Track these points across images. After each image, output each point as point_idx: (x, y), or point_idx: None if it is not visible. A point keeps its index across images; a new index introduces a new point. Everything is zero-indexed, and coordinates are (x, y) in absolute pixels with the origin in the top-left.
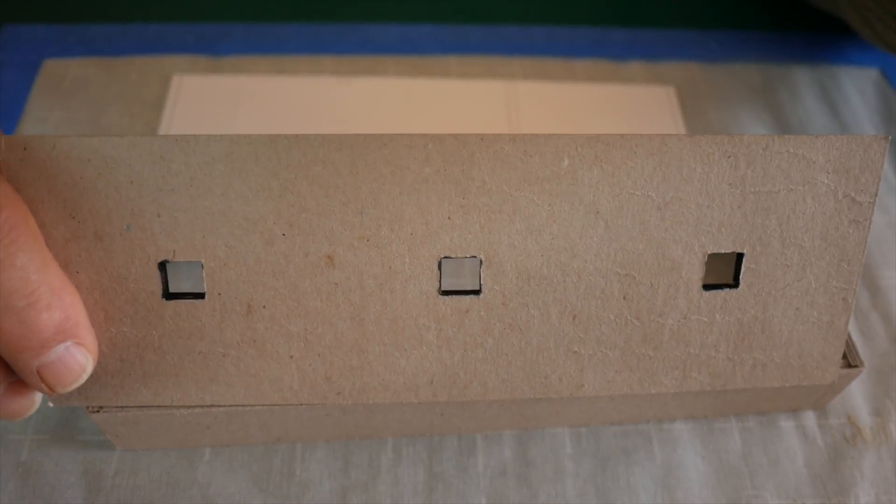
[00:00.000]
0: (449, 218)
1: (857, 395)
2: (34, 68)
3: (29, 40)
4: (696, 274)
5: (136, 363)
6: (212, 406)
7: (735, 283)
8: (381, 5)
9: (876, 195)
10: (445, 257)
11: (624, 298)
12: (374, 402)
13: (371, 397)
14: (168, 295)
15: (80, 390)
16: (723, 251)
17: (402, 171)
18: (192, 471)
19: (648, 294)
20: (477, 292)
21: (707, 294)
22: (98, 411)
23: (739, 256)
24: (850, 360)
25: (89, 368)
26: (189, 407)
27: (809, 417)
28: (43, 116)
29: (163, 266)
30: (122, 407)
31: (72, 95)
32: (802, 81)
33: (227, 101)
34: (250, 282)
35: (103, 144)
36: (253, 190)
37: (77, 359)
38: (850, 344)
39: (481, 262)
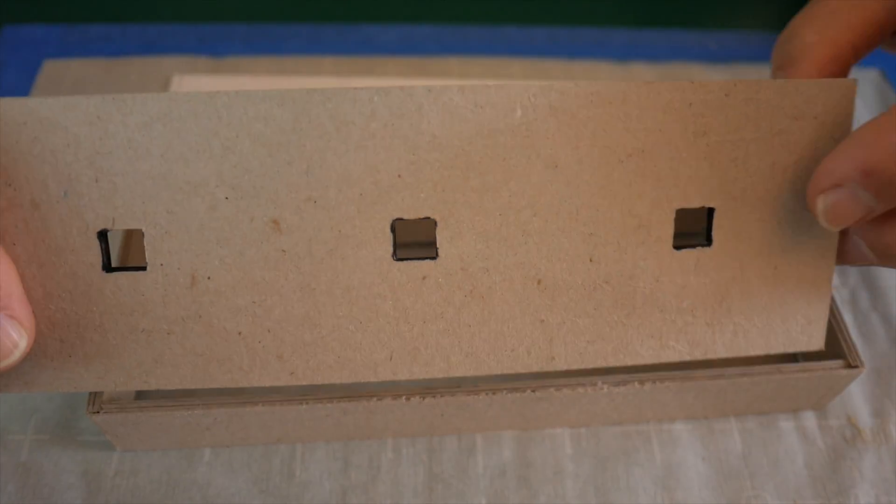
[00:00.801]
0: (399, 176)
1: (857, 395)
2: (34, 68)
3: (29, 40)
4: (666, 232)
5: (77, 344)
6: (210, 406)
7: (708, 242)
8: (381, 6)
9: None
10: (398, 219)
11: (591, 260)
12: (330, 381)
13: (327, 377)
14: (108, 268)
15: (18, 374)
16: (692, 206)
17: (348, 127)
18: (192, 471)
19: (616, 255)
20: (433, 257)
21: (679, 254)
22: (98, 412)
23: (710, 211)
24: (850, 361)
25: (23, 345)
26: (189, 408)
27: (809, 418)
28: None
29: (103, 235)
30: (121, 407)
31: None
32: None
33: None
34: (193, 251)
35: (39, 105)
36: (193, 150)
37: (8, 334)
38: (850, 344)
39: (436, 223)
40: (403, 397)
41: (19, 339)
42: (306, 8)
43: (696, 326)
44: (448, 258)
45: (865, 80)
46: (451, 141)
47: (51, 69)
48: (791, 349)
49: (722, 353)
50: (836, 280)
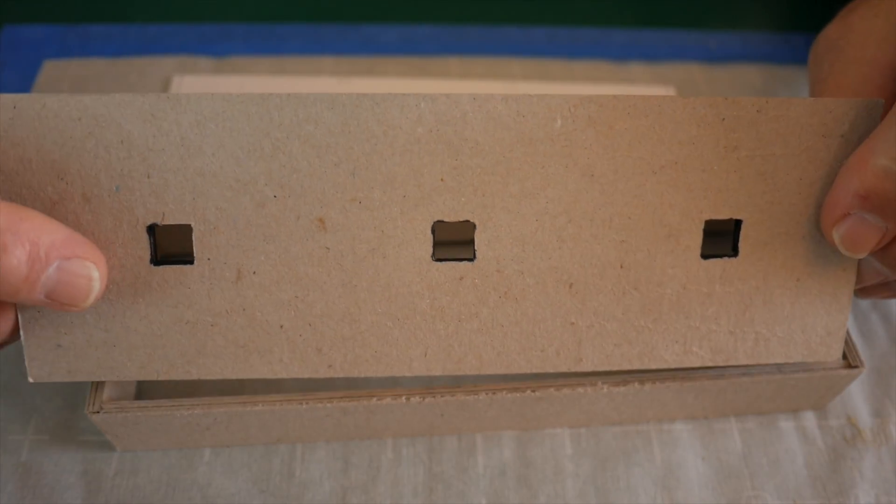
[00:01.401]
0: (442, 179)
1: (857, 395)
2: (34, 68)
3: (29, 40)
4: (695, 241)
5: (122, 334)
6: (210, 406)
7: (734, 252)
8: (381, 6)
9: None
10: (438, 221)
11: (621, 267)
12: (366, 375)
13: (363, 370)
14: (156, 261)
15: (62, 362)
16: (720, 217)
17: (395, 131)
18: (192, 471)
19: (646, 262)
20: (471, 259)
21: (706, 263)
22: (98, 412)
23: (738, 223)
24: (850, 361)
25: (96, 274)
26: (188, 408)
27: (809, 418)
28: None
29: (151, 230)
30: (121, 407)
31: None
32: (802, 81)
33: None
34: (240, 246)
35: (94, 102)
36: (244, 150)
37: (76, 271)
38: (850, 344)
39: (475, 226)
40: (403, 397)
41: (88, 271)
42: (306, 8)
43: (719, 334)
44: (485, 260)
45: None
46: (492, 147)
47: (51, 69)
48: (810, 359)
49: (743, 361)
50: None
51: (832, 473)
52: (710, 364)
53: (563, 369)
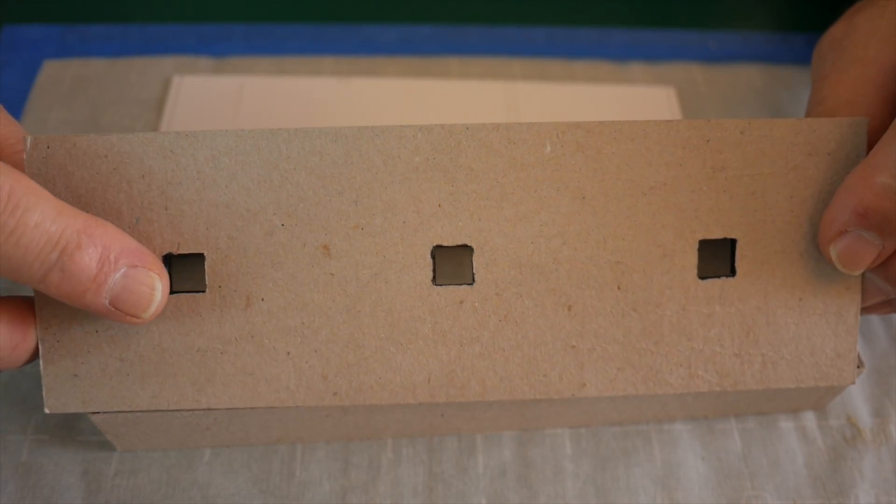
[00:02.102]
0: (439, 206)
1: (857, 395)
2: (34, 68)
3: (29, 40)
4: (690, 261)
5: (136, 362)
6: (209, 409)
7: (732, 273)
8: (381, 6)
9: None
10: (437, 246)
11: (618, 288)
12: (371, 402)
13: (368, 398)
14: (171, 290)
15: (77, 394)
16: (714, 237)
17: (394, 161)
18: (192, 471)
19: (643, 283)
20: (470, 283)
21: (704, 283)
22: (98, 412)
23: (732, 243)
24: None
25: (159, 285)
26: (189, 409)
27: (809, 418)
28: (43, 117)
29: (167, 259)
30: None
31: (72, 96)
32: (802, 81)
33: (227, 101)
34: (250, 273)
35: (119, 141)
36: (255, 181)
37: (141, 279)
38: None
39: (472, 250)
40: None
41: (152, 281)
42: (306, 8)
43: (723, 357)
44: (484, 284)
45: None
46: (486, 174)
47: (51, 69)
48: (822, 383)
49: (752, 385)
50: None
51: (832, 473)
52: (718, 389)
53: (567, 395)
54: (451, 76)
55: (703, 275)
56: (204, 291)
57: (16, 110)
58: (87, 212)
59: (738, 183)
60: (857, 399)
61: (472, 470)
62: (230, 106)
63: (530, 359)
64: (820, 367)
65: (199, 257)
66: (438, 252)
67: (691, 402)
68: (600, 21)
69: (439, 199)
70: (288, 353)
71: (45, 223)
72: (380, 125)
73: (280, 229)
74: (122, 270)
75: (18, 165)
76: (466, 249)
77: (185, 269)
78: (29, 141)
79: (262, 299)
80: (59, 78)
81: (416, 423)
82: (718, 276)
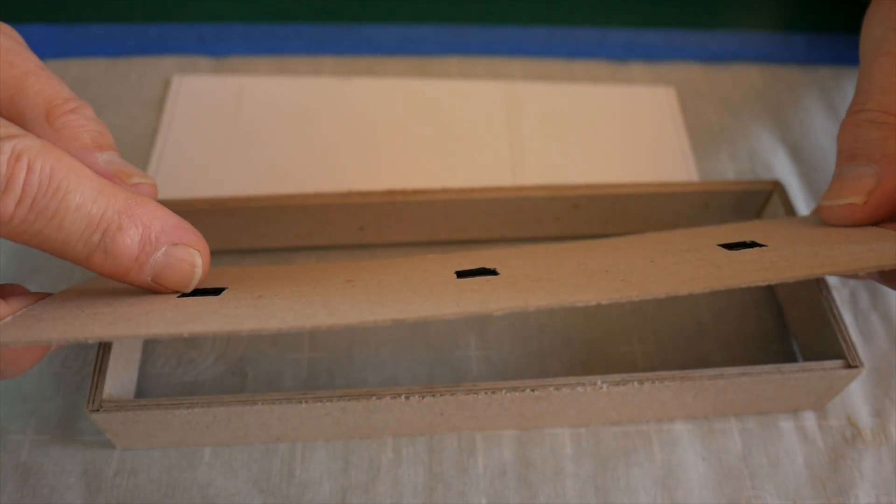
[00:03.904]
0: (459, 263)
1: (857, 395)
2: None
3: (29, 40)
4: (718, 250)
5: (108, 313)
6: (210, 404)
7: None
8: (381, 6)
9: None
10: (459, 272)
11: (652, 262)
12: (395, 298)
13: (394, 295)
14: (184, 294)
15: (25, 329)
16: (731, 241)
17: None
18: (192, 471)
19: (675, 259)
20: (495, 274)
21: (738, 252)
22: (97, 410)
23: (752, 243)
24: (849, 361)
25: (199, 260)
26: (188, 406)
27: (809, 418)
28: None
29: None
30: (120, 405)
31: None
32: (802, 81)
33: (227, 101)
34: (270, 287)
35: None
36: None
37: (181, 257)
38: (849, 344)
39: (495, 270)
40: (402, 396)
41: (192, 257)
42: (306, 8)
43: (802, 251)
44: (510, 274)
45: None
46: (496, 253)
47: (51, 69)
48: None
49: (846, 262)
50: (835, 280)
51: (832, 473)
52: (821, 272)
53: (622, 289)
54: (451, 76)
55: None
56: (219, 293)
57: None
58: None
59: (736, 231)
60: (857, 399)
61: (472, 470)
62: (230, 106)
63: (572, 289)
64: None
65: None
66: (460, 281)
67: (691, 402)
68: (600, 21)
69: (459, 259)
70: (292, 309)
71: (86, 204)
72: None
73: (306, 275)
74: (164, 249)
75: (67, 127)
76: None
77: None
78: None
79: (276, 295)
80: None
81: (416, 421)
82: (750, 246)
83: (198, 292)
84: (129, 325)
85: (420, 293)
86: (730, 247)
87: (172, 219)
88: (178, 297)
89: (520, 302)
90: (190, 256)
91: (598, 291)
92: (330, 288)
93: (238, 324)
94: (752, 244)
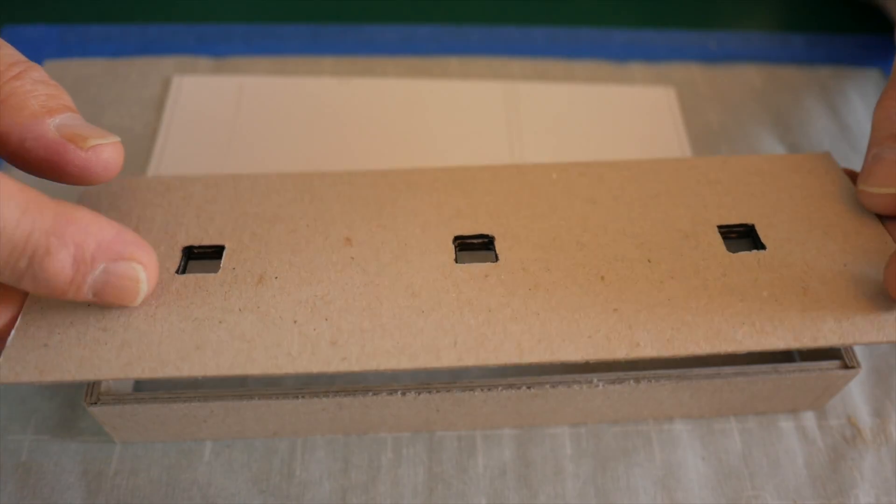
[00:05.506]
0: (459, 210)
1: (857, 395)
2: None
3: (29, 40)
4: (716, 240)
5: (118, 332)
6: (207, 399)
7: (763, 247)
8: (381, 6)
9: (853, 186)
10: (458, 236)
11: (649, 261)
12: (386, 367)
13: (383, 363)
14: (182, 272)
15: (37, 363)
16: (730, 223)
17: (416, 185)
18: (192, 471)
19: (673, 257)
20: (493, 261)
21: (738, 255)
22: (96, 403)
23: (751, 227)
24: (846, 361)
25: (143, 275)
26: (186, 400)
27: (809, 418)
28: None
29: (187, 250)
30: (118, 398)
31: (72, 95)
32: (802, 81)
33: (227, 101)
34: (267, 258)
35: (170, 179)
36: (287, 199)
37: (122, 273)
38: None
39: (494, 238)
40: (399, 392)
41: (135, 272)
42: (306, 8)
43: (790, 314)
44: (508, 261)
45: (866, 80)
46: (501, 190)
47: (51, 69)
48: None
49: (834, 341)
50: None
51: (832, 473)
52: (796, 345)
53: (621, 356)
54: (451, 76)
55: (732, 251)
56: (216, 272)
57: None
58: (122, 221)
59: (735, 189)
60: (857, 399)
61: (472, 470)
62: (230, 106)
63: (570, 321)
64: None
65: (220, 258)
66: (460, 252)
67: (688, 401)
68: (600, 21)
69: (458, 206)
70: (294, 322)
71: (7, 228)
72: (403, 168)
73: (304, 227)
74: (101, 267)
75: (13, 95)
76: (488, 251)
77: (205, 269)
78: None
79: (276, 277)
80: (59, 78)
81: (412, 417)
82: (750, 250)
83: (195, 255)
84: (140, 363)
85: (418, 297)
86: (728, 230)
87: (110, 231)
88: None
89: (514, 358)
90: (133, 272)
91: (588, 347)
92: (328, 262)
93: (244, 368)
94: (751, 231)
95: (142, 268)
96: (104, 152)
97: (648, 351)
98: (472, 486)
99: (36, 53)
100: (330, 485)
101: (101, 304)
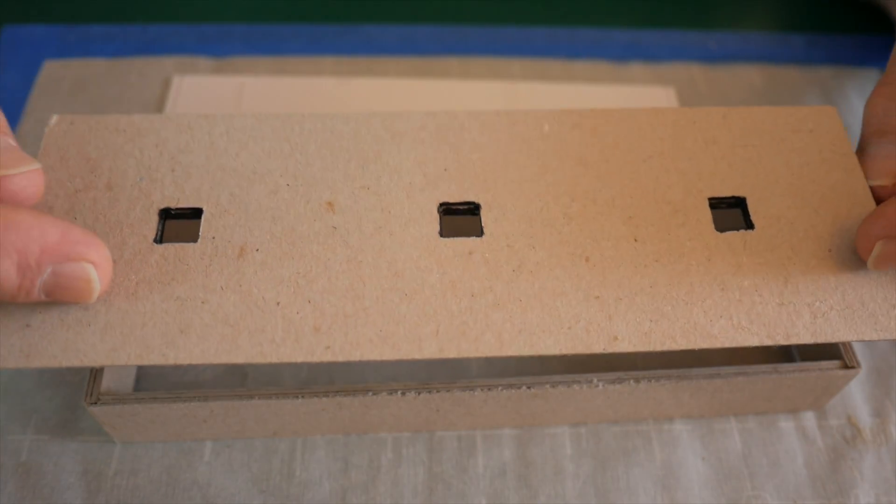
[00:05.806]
0: (445, 169)
1: (857, 395)
2: (34, 68)
3: (29, 40)
4: (705, 216)
5: (101, 312)
6: (207, 399)
7: (750, 226)
8: (381, 6)
9: (853, 151)
10: (444, 203)
11: (635, 240)
12: (369, 358)
13: (366, 353)
14: (160, 241)
15: (22, 347)
16: (722, 195)
17: (401, 136)
18: (192, 471)
19: (660, 235)
20: (478, 235)
21: (725, 235)
22: (96, 403)
23: (742, 200)
24: (846, 361)
25: (93, 274)
26: (185, 400)
27: (809, 418)
28: (43, 117)
29: (164, 213)
30: (119, 398)
31: (72, 96)
32: (803, 81)
33: (227, 101)
34: (248, 227)
35: (140, 119)
36: (265, 150)
37: (71, 274)
38: (847, 344)
39: (480, 206)
40: (399, 392)
41: (85, 272)
42: (306, 8)
43: (767, 307)
44: (493, 236)
45: (866, 80)
46: (489, 145)
47: (51, 69)
48: (887, 336)
49: (807, 339)
50: None
51: (832, 473)
52: (769, 342)
53: (598, 350)
54: (451, 76)
55: (720, 229)
56: (196, 242)
57: (16, 110)
58: (93, 172)
59: (732, 152)
60: (857, 399)
61: (472, 470)
62: (230, 106)
63: (551, 308)
64: (878, 320)
65: (199, 219)
66: (445, 218)
67: (688, 401)
68: (600, 21)
69: (445, 164)
70: (277, 303)
71: None
72: (387, 111)
73: (284, 188)
74: (49, 269)
75: None
76: (474, 217)
77: (182, 230)
78: (54, 119)
79: (257, 250)
80: (59, 78)
81: (412, 417)
82: (738, 230)
83: (172, 216)
84: (125, 348)
85: (401, 277)
86: (718, 201)
87: (55, 233)
88: (156, 242)
89: (494, 350)
90: (83, 272)
91: (567, 340)
92: (311, 232)
93: (229, 355)
94: (742, 203)
95: (92, 266)
96: (15, 183)
97: (625, 346)
98: (472, 486)
99: (36, 53)
100: (330, 485)
101: (57, 303)
